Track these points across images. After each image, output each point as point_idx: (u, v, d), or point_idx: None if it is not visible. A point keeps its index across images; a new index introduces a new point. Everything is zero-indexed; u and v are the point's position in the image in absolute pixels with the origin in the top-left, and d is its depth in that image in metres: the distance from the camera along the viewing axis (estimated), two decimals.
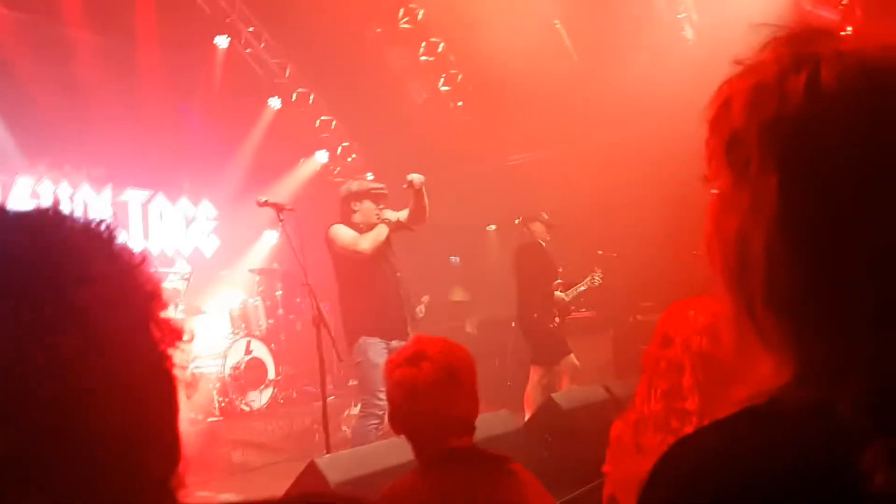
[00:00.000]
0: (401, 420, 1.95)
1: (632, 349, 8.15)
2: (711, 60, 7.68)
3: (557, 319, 7.38)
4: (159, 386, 0.69)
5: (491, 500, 1.82)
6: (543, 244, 7.18)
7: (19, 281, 0.63)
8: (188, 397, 7.06)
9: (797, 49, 0.73)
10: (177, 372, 0.70)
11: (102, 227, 0.71)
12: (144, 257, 0.72)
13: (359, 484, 2.96)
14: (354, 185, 5.42)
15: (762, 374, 0.71)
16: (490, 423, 3.85)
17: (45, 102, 7.94)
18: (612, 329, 8.90)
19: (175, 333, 0.70)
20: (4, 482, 0.60)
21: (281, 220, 4.61)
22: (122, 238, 0.72)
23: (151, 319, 0.69)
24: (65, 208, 0.70)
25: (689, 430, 1.78)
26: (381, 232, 5.13)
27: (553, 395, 4.54)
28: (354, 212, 5.24)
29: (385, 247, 5.25)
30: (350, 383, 7.98)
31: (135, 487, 0.65)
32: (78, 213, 0.70)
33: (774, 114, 0.71)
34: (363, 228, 5.19)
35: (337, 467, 3.02)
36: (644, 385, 1.90)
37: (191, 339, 7.06)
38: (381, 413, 4.82)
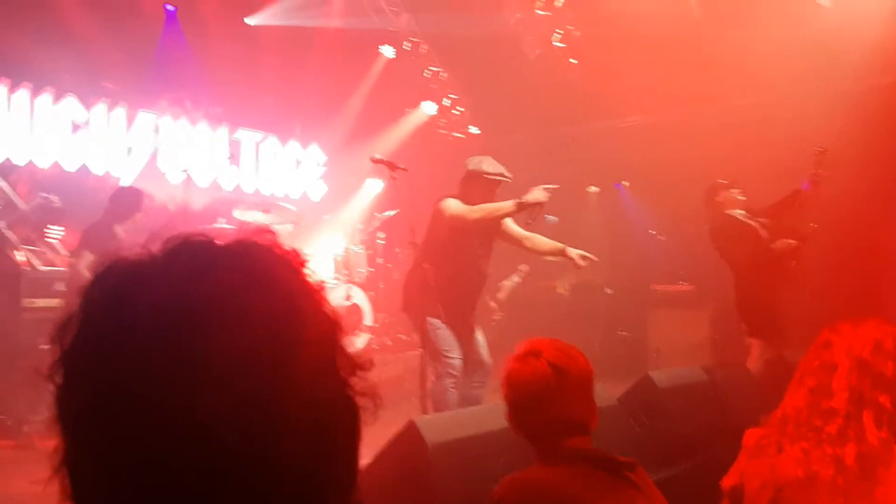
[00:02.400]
0: (514, 417, 1.97)
1: (730, 328, 7.93)
2: (847, 30, 7.29)
3: None
4: (343, 415, 0.71)
5: None
6: (738, 215, 6.17)
7: (224, 318, 0.65)
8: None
9: None
10: (359, 399, 0.72)
11: (295, 256, 0.73)
12: (323, 284, 0.74)
13: (457, 446, 3.02)
14: (487, 166, 5.07)
15: None
16: None
17: (167, 42, 8.24)
18: (712, 306, 8.64)
19: (355, 361, 0.73)
20: None
21: (394, 179, 4.64)
22: (306, 263, 0.74)
23: (336, 348, 0.71)
24: (261, 238, 0.72)
25: (831, 430, 1.76)
26: (502, 207, 4.87)
27: (650, 372, 4.47)
28: (476, 187, 5.02)
29: (483, 243, 5.14)
30: None
31: None
32: (272, 243, 0.73)
33: None
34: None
35: (436, 428, 3.08)
36: (794, 384, 1.89)
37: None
38: (454, 372, 4.95)
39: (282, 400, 0.65)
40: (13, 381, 5.91)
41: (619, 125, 10.24)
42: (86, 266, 6.05)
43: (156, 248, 0.72)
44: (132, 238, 6.37)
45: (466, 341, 5.12)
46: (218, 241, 0.72)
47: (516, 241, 5.45)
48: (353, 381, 0.72)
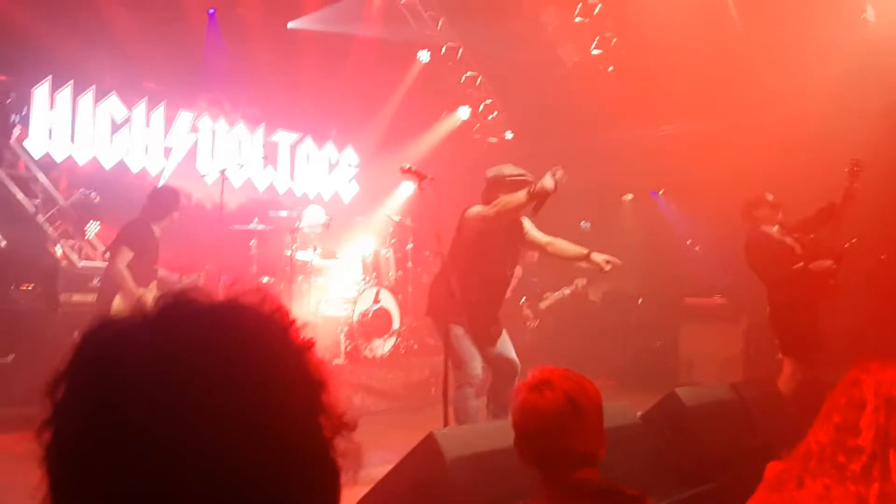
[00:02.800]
0: (524, 447, 1.96)
1: (764, 344, 7.80)
2: (890, 45, 7.10)
3: None
4: (322, 477, 0.72)
5: None
6: (773, 231, 5.99)
7: (206, 382, 0.67)
8: None
9: None
10: (340, 460, 0.73)
11: (279, 315, 0.74)
12: (312, 343, 0.75)
13: (475, 461, 3.01)
14: (507, 169, 5.12)
15: None
16: (608, 413, 3.80)
17: (208, 43, 8.37)
18: (746, 319, 8.50)
19: (341, 422, 0.73)
20: None
21: (422, 189, 4.66)
22: (294, 322, 0.75)
23: (320, 409, 0.72)
24: (244, 299, 0.74)
25: (855, 467, 1.73)
26: (516, 197, 4.84)
27: (677, 389, 4.40)
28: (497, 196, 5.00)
29: (507, 249, 5.14)
30: None
31: None
32: (255, 303, 0.74)
33: None
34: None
35: (455, 441, 3.07)
36: (820, 419, 1.86)
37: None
38: (474, 381, 5.00)
39: (261, 462, 0.66)
40: (48, 374, 6.04)
41: (655, 133, 10.15)
42: (122, 263, 6.14)
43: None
44: (167, 235, 6.48)
45: (489, 348, 5.12)
46: (207, 303, 0.73)
47: (540, 247, 5.42)
48: (337, 441, 0.73)
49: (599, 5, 9.77)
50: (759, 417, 4.58)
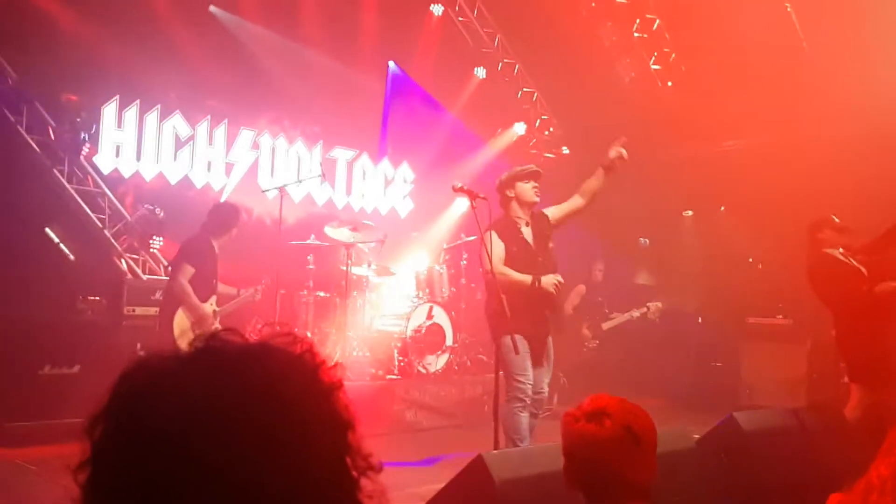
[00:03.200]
0: (575, 475, 1.93)
1: (829, 367, 7.54)
2: None
3: None
4: None
5: None
6: (837, 254, 5.82)
7: (236, 424, 0.69)
8: None
9: None
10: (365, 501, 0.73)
11: (308, 356, 0.75)
12: (341, 383, 0.76)
13: (525, 484, 2.98)
14: (504, 175, 5.41)
15: None
16: (665, 438, 3.72)
17: (268, 62, 8.56)
18: (810, 341, 8.23)
19: (368, 464, 0.73)
20: None
21: (474, 208, 4.68)
22: (324, 363, 0.75)
23: (347, 450, 0.72)
24: (275, 341, 0.75)
25: None
26: (524, 279, 5.05)
27: (735, 413, 4.27)
28: (511, 199, 5.28)
29: (540, 254, 5.25)
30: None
31: None
32: (285, 344, 0.75)
33: None
34: (523, 216, 5.28)
35: (504, 464, 3.04)
36: (882, 452, 1.79)
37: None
38: (524, 396, 5.02)
39: (289, 502, 0.66)
40: (112, 384, 6.21)
41: (716, 148, 9.96)
42: (184, 278, 6.29)
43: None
44: (227, 249, 6.62)
45: (539, 363, 5.17)
46: (239, 345, 0.75)
47: (578, 211, 5.49)
48: (364, 481, 0.73)
49: (658, 21, 9.67)
50: (821, 446, 4.41)
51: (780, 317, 8.88)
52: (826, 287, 5.81)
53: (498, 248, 5.12)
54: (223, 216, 6.64)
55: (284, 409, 0.70)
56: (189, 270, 6.28)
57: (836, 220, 5.95)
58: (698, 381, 9.04)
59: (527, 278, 5.08)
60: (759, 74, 8.52)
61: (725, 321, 9.42)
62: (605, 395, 1.97)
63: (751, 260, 10.17)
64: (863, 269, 5.67)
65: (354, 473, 0.73)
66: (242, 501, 0.66)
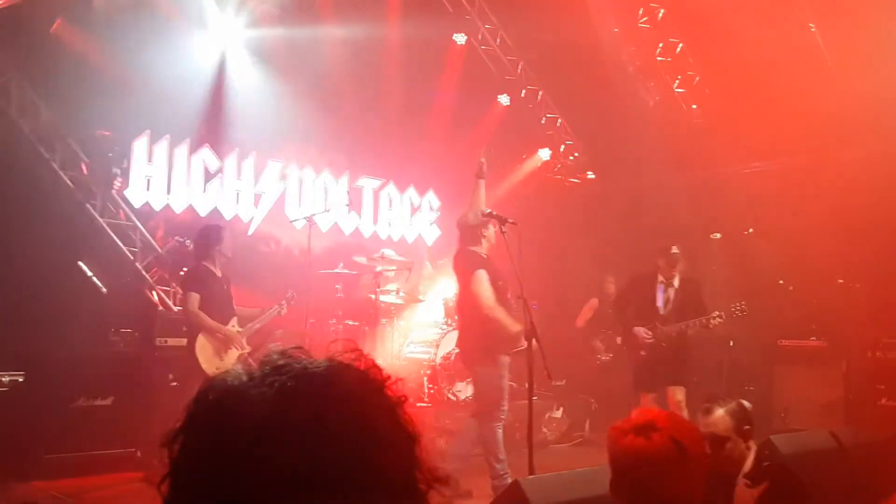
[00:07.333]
0: (622, 489, 1.90)
1: (866, 389, 7.39)
2: None
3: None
4: None
5: None
6: None
7: (309, 440, 0.70)
8: None
9: None
10: None
11: (374, 373, 0.76)
12: (406, 398, 0.77)
13: None
14: (472, 217, 5.96)
15: None
16: None
17: (295, 93, 8.68)
18: (846, 363, 8.07)
19: (435, 476, 0.74)
20: None
21: (503, 233, 4.70)
22: (389, 378, 0.77)
23: (416, 464, 0.73)
24: (342, 357, 0.76)
25: None
26: (512, 326, 5.60)
27: (772, 437, 4.21)
28: (484, 237, 5.87)
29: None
30: (554, 383, 7.95)
31: None
32: (352, 361, 0.76)
33: None
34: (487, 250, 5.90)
35: (540, 489, 3.02)
36: None
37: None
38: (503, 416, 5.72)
39: None
40: (145, 415, 6.25)
41: (742, 170, 9.89)
42: (193, 306, 6.24)
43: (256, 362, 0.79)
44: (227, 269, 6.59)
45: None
46: (308, 362, 0.77)
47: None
48: (432, 494, 0.74)
49: (681, 44, 9.69)
50: (861, 468, 4.32)
51: (814, 339, 8.72)
52: None
53: (487, 289, 5.72)
54: (204, 238, 6.57)
55: (356, 423, 0.72)
56: (194, 297, 6.24)
57: None
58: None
59: (516, 327, 5.55)
60: (783, 95, 8.47)
61: (757, 344, 9.28)
62: (653, 409, 1.94)
63: (781, 282, 10.03)
64: None
65: (423, 486, 0.74)
66: None
